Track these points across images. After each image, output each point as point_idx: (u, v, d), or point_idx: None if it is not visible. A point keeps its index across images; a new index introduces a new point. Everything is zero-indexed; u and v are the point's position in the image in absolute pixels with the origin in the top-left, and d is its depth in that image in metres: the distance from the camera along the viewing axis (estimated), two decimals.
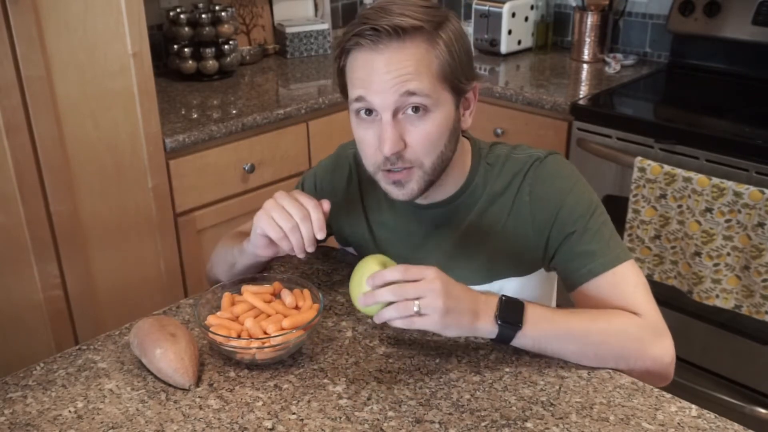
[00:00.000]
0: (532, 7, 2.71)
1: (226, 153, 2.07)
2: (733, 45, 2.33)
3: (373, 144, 1.06)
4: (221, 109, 2.19)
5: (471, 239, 1.18)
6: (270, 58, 2.79)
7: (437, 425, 0.94)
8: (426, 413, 0.96)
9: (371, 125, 1.06)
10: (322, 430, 0.94)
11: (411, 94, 1.02)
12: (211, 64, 2.43)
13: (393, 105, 1.02)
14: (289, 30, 2.74)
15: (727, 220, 1.81)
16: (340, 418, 0.96)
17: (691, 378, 2.05)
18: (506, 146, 1.20)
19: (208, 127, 2.01)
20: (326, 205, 1.09)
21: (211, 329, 1.05)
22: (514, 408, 0.97)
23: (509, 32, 2.67)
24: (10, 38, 1.59)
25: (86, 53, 1.72)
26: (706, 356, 2.05)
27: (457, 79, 1.06)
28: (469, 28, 2.78)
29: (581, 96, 2.23)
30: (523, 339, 1.02)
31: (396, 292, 0.96)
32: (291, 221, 1.06)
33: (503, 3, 2.63)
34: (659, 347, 1.06)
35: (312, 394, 1.00)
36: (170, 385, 1.02)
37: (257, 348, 1.03)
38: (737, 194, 1.78)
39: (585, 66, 2.57)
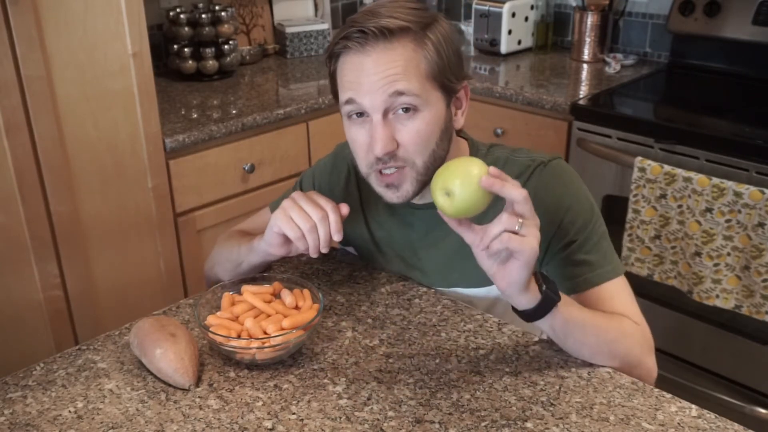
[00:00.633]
0: (532, 7, 2.71)
1: (226, 153, 2.07)
2: (733, 45, 2.33)
3: (365, 145, 1.07)
4: (221, 109, 2.19)
5: None
6: (270, 58, 2.79)
7: (437, 425, 0.94)
8: (426, 413, 0.96)
9: (363, 127, 1.06)
10: (322, 430, 0.94)
11: (400, 94, 1.02)
12: (211, 64, 2.43)
13: (382, 105, 1.03)
14: (289, 30, 2.74)
15: (728, 220, 1.81)
16: (340, 418, 0.96)
17: (691, 378, 2.05)
18: (506, 148, 1.20)
19: (208, 127, 2.01)
20: (345, 209, 1.10)
21: (211, 329, 1.05)
22: (514, 408, 0.97)
23: (509, 32, 2.67)
24: (10, 38, 1.59)
25: (86, 53, 1.72)
26: (706, 356, 2.05)
27: (446, 78, 1.06)
28: (469, 28, 2.78)
29: (581, 96, 2.23)
30: (556, 316, 0.99)
31: (518, 192, 0.90)
32: (310, 222, 1.07)
33: (503, 3, 2.62)
34: (651, 360, 1.09)
35: (312, 394, 1.00)
36: (170, 385, 1.02)
37: (257, 348, 1.03)
38: (737, 194, 1.78)
39: (585, 66, 2.57)
